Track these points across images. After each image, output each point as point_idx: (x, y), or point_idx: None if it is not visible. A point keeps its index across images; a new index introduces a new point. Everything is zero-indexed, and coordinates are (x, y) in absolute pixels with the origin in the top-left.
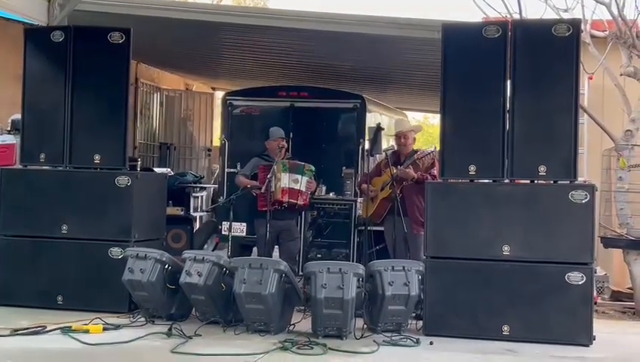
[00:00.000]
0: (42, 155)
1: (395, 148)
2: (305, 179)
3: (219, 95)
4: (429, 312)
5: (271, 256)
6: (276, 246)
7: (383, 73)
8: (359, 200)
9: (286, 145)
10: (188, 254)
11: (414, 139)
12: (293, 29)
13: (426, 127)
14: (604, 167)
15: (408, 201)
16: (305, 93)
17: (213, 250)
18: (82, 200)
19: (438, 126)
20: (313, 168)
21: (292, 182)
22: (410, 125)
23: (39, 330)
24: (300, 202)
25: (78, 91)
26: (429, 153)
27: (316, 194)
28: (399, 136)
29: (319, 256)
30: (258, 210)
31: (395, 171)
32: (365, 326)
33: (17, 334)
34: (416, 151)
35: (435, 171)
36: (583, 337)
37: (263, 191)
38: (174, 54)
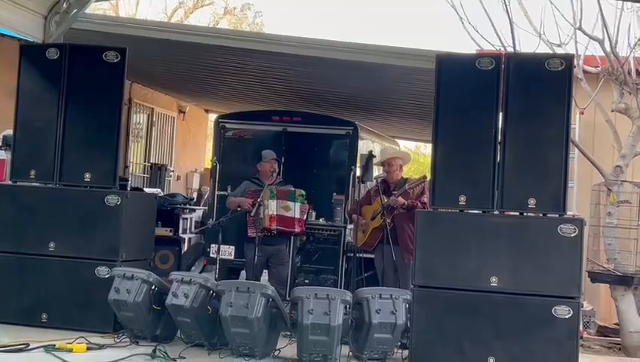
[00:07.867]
0: (32, 172)
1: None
2: (297, 205)
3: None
4: (415, 342)
5: (259, 281)
6: (265, 271)
7: (375, 101)
8: (349, 226)
9: (277, 169)
10: (175, 275)
11: (400, 166)
12: (287, 54)
13: (417, 156)
14: (594, 201)
15: (400, 230)
16: (298, 118)
17: (200, 272)
18: (71, 218)
19: (430, 155)
20: (304, 193)
21: (282, 209)
22: (393, 151)
23: (22, 348)
24: (297, 229)
25: (71, 109)
26: (420, 182)
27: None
28: (384, 164)
29: (307, 281)
30: (248, 236)
31: (385, 200)
32: (351, 353)
33: (0, 351)
34: (406, 180)
35: (426, 198)
36: None
37: (252, 214)
38: (169, 75)
